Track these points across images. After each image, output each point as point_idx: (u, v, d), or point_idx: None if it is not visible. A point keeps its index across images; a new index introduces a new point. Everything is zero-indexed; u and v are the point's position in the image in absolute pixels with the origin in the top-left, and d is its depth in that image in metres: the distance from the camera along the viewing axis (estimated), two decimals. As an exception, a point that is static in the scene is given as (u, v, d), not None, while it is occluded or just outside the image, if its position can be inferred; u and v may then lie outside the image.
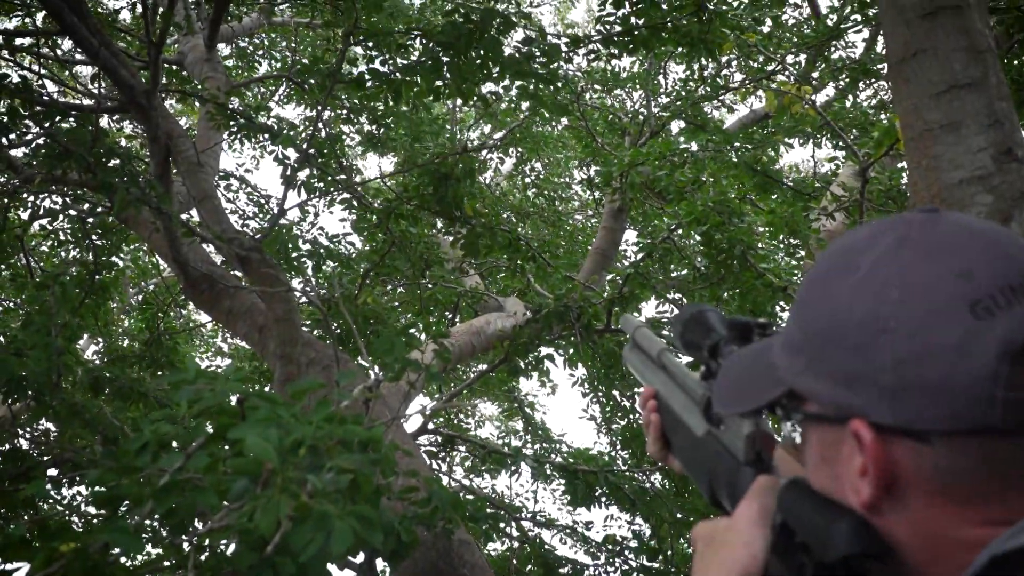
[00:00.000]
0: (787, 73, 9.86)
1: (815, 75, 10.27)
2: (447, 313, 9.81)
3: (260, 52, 11.76)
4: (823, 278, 1.01)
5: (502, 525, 7.89)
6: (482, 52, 5.86)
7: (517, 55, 6.09)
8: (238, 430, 2.40)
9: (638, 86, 12.07)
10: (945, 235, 0.93)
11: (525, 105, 9.82)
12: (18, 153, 6.25)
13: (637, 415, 10.19)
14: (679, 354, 1.53)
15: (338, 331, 7.01)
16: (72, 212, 7.16)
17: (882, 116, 9.64)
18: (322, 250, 8.07)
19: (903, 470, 0.90)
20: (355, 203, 8.27)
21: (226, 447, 2.55)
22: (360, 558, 3.60)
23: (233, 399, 2.68)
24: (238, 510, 2.29)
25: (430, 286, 9.12)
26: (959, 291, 0.87)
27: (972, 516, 0.88)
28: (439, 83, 6.09)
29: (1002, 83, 2.88)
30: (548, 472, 7.87)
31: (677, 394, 1.50)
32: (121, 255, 9.48)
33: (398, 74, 6.13)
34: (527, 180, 14.27)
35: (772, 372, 1.07)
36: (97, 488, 2.38)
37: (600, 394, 10.89)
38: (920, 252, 0.92)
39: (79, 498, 7.27)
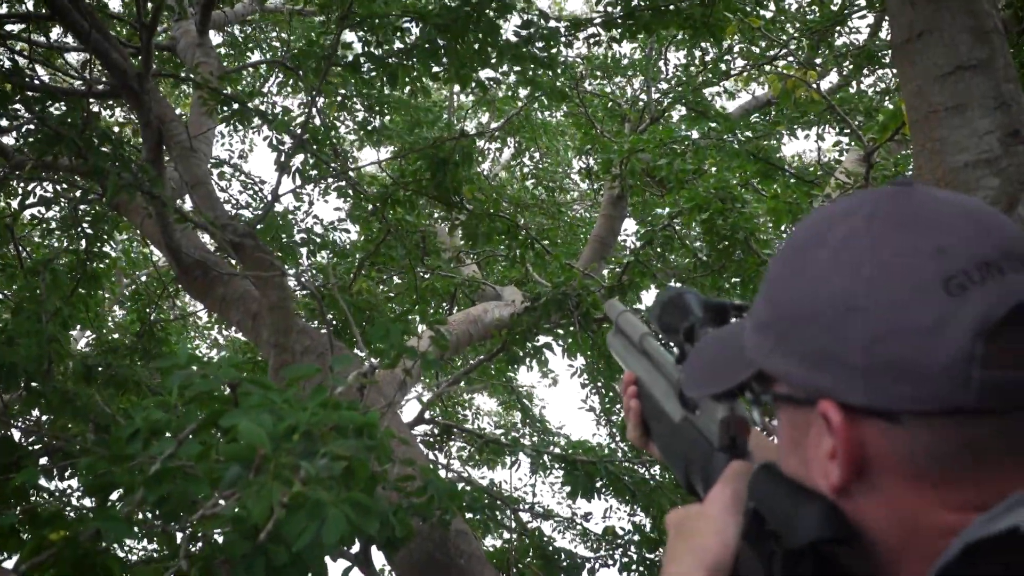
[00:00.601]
0: (790, 59, 9.85)
1: (818, 61, 10.26)
2: (444, 304, 9.81)
3: (251, 43, 11.73)
4: (793, 254, 0.99)
5: (500, 517, 7.89)
6: (480, 35, 5.85)
7: (515, 39, 6.08)
8: (231, 416, 2.39)
9: (638, 73, 12.07)
10: (918, 209, 0.91)
11: (524, 93, 9.83)
12: (8, 140, 6.25)
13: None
14: (661, 339, 1.53)
15: (333, 323, 7.01)
16: (63, 200, 7.15)
17: (887, 103, 9.63)
18: (317, 238, 8.08)
19: (874, 452, 0.89)
20: (350, 191, 8.26)
21: (218, 434, 2.54)
22: (355, 548, 3.59)
23: (226, 387, 2.68)
24: (230, 497, 2.29)
25: (426, 276, 9.12)
26: (932, 267, 0.85)
27: (946, 500, 0.86)
28: (437, 69, 6.08)
29: (1009, 65, 2.87)
30: (547, 462, 7.88)
31: (658, 380, 1.49)
32: (113, 245, 9.47)
33: (393, 59, 6.12)
34: (526, 170, 14.28)
35: (742, 353, 1.05)
36: (88, 476, 2.37)
37: (599, 385, 10.90)
38: (893, 226, 0.90)
39: (71, 491, 7.28)
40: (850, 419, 0.89)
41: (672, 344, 1.44)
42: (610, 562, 7.77)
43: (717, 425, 1.24)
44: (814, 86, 8.25)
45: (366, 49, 6.27)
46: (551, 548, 7.51)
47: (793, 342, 0.94)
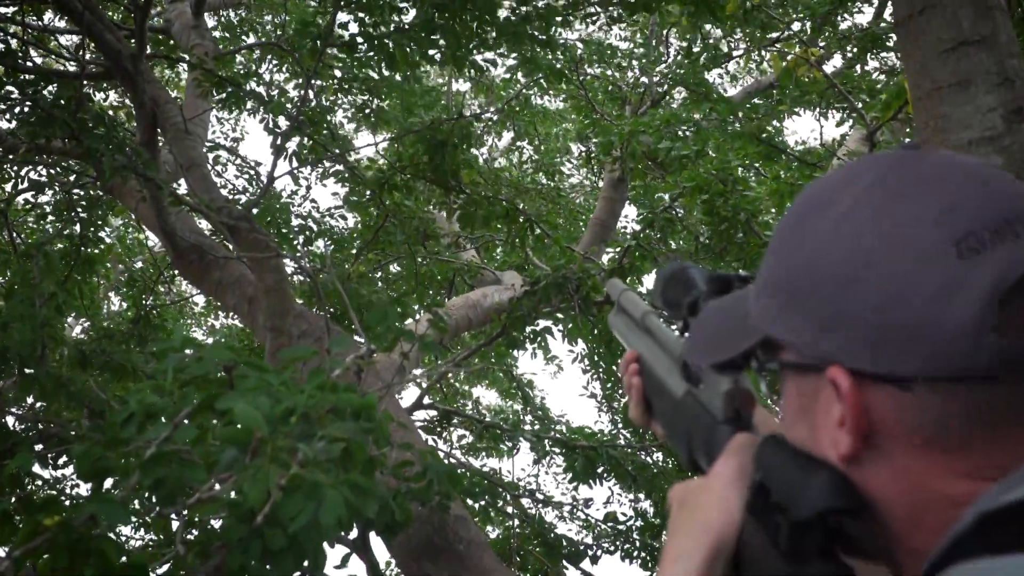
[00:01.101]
0: (793, 40, 9.81)
1: (822, 43, 10.21)
2: (442, 291, 9.80)
3: (246, 26, 11.71)
4: (799, 219, 0.98)
5: (500, 503, 7.90)
6: (476, 14, 5.83)
7: (512, 17, 6.06)
8: (227, 399, 2.39)
9: (635, 61, 12.06)
10: (929, 171, 0.90)
11: (523, 77, 9.81)
12: (1, 124, 6.25)
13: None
14: (663, 316, 1.52)
15: (331, 309, 7.01)
16: (57, 184, 7.15)
17: (891, 83, 9.60)
18: (313, 224, 8.08)
19: (883, 419, 0.88)
20: (347, 175, 8.26)
21: (214, 420, 2.54)
22: (354, 534, 3.59)
23: (222, 370, 2.68)
24: (227, 481, 2.29)
25: (425, 262, 9.11)
26: (944, 229, 0.84)
27: (957, 468, 0.85)
28: (433, 52, 6.06)
29: (1013, 41, 2.86)
30: (547, 448, 7.87)
31: (660, 356, 1.48)
32: (107, 231, 9.46)
33: (389, 41, 6.10)
34: (524, 156, 14.27)
35: (746, 321, 1.04)
36: (83, 462, 2.37)
37: (600, 370, 10.88)
38: (902, 189, 0.89)
39: (67, 480, 7.30)
40: (859, 385, 0.88)
41: (675, 320, 1.43)
42: (612, 548, 7.77)
43: (721, 398, 1.23)
44: (816, 63, 8.23)
45: (362, 29, 6.26)
46: (552, 536, 7.52)
47: (801, 307, 0.93)
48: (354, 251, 8.65)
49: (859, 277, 0.87)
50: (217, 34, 11.04)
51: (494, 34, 6.02)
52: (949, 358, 0.82)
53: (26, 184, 6.99)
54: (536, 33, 6.12)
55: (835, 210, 0.92)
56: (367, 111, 10.22)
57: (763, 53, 10.46)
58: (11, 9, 6.85)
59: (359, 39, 6.12)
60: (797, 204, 1.01)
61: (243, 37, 11.51)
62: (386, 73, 8.04)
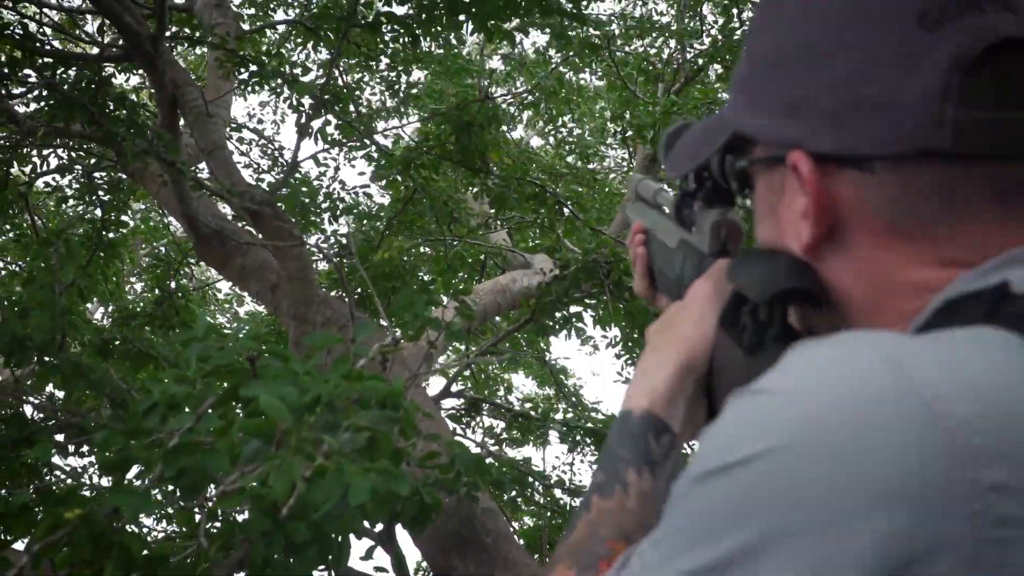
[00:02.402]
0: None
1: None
2: (475, 275, 9.77)
3: (273, 3, 11.70)
4: (768, 6, 0.97)
5: (530, 493, 7.89)
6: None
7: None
8: (251, 387, 2.39)
9: (670, 36, 12.00)
10: None
11: (556, 56, 9.79)
12: (21, 108, 6.27)
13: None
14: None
15: (357, 292, 7.01)
16: (78, 167, 7.19)
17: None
18: (340, 203, 8.09)
19: (845, 206, 0.88)
20: (374, 152, 8.26)
21: (238, 410, 2.55)
22: (379, 527, 3.60)
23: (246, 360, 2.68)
24: (251, 473, 2.30)
25: (454, 243, 9.11)
26: (906, 2, 0.82)
27: (920, 255, 0.85)
28: (462, 18, 6.02)
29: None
30: (579, 438, 7.86)
31: (665, 223, 1.47)
32: (130, 214, 9.50)
33: (412, 22, 6.09)
34: (560, 136, 14.24)
35: (721, 123, 1.04)
36: (104, 452, 2.38)
37: (635, 356, 10.83)
38: None
39: (86, 468, 7.33)
40: (821, 171, 0.88)
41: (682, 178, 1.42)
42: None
43: (708, 229, 1.24)
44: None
45: (386, 9, 6.25)
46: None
47: (767, 94, 0.93)
48: (382, 226, 8.68)
49: (821, 56, 0.86)
50: (245, 12, 11.04)
51: (524, 5, 5.99)
52: (911, 133, 0.81)
53: (47, 167, 7.04)
54: (566, 4, 6.09)
55: None
56: (396, 87, 10.22)
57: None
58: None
59: (383, 19, 6.11)
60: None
61: (271, 14, 11.50)
62: (411, 49, 8.06)
